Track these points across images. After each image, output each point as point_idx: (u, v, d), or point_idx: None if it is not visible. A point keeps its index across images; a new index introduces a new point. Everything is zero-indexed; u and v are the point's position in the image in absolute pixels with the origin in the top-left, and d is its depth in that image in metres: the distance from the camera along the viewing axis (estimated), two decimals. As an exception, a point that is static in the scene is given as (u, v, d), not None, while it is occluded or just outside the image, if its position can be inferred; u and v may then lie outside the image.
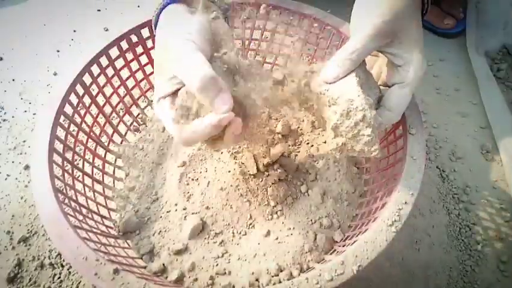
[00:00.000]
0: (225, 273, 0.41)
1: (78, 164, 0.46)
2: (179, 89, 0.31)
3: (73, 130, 0.45)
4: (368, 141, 0.33)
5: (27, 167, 0.60)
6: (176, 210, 0.46)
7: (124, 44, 0.49)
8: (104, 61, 0.48)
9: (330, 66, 0.34)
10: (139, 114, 0.57)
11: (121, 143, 0.54)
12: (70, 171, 0.43)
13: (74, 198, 0.41)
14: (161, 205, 0.47)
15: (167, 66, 0.31)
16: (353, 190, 0.47)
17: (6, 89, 0.70)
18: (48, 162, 0.38)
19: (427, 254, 0.52)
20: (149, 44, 0.51)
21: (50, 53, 0.77)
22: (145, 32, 0.49)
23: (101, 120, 0.52)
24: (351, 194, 0.47)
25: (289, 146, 0.50)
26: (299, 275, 0.39)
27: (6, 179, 0.58)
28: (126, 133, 0.55)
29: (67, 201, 0.39)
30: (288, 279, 0.35)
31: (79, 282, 0.49)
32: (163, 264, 0.42)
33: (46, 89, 0.70)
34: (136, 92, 0.55)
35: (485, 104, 0.68)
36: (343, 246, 0.40)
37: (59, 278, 0.49)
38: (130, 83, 0.54)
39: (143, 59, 0.53)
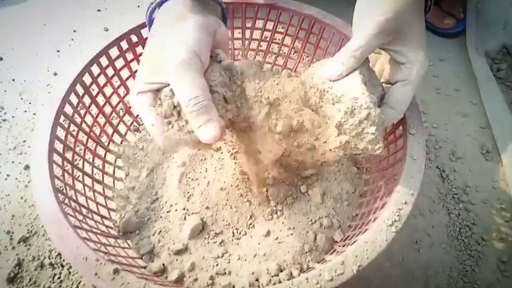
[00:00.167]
0: (225, 273, 0.41)
1: (78, 164, 0.46)
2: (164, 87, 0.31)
3: (73, 130, 0.45)
4: (372, 140, 0.33)
5: (27, 167, 0.60)
6: (176, 210, 0.46)
7: (124, 44, 0.49)
8: (104, 61, 0.48)
9: (334, 64, 0.34)
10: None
11: (121, 143, 0.54)
12: (70, 171, 0.43)
13: (74, 198, 0.41)
14: (161, 205, 0.47)
15: (164, 67, 0.30)
16: (353, 190, 0.47)
17: (6, 89, 0.70)
18: (48, 162, 0.38)
19: (427, 254, 0.52)
20: (149, 44, 0.51)
21: (50, 53, 0.77)
22: (145, 32, 0.49)
23: (101, 120, 0.52)
24: (351, 194, 0.47)
25: (289, 145, 0.50)
26: (299, 275, 0.39)
27: (6, 179, 0.58)
28: (126, 133, 0.55)
29: (66, 201, 0.39)
30: (288, 279, 0.35)
31: (79, 282, 0.49)
32: (163, 264, 0.42)
33: (46, 89, 0.70)
34: (136, 92, 0.55)
35: (485, 104, 0.68)
36: (343, 246, 0.40)
37: (59, 278, 0.49)
38: (130, 83, 0.53)
39: (143, 59, 0.53)
